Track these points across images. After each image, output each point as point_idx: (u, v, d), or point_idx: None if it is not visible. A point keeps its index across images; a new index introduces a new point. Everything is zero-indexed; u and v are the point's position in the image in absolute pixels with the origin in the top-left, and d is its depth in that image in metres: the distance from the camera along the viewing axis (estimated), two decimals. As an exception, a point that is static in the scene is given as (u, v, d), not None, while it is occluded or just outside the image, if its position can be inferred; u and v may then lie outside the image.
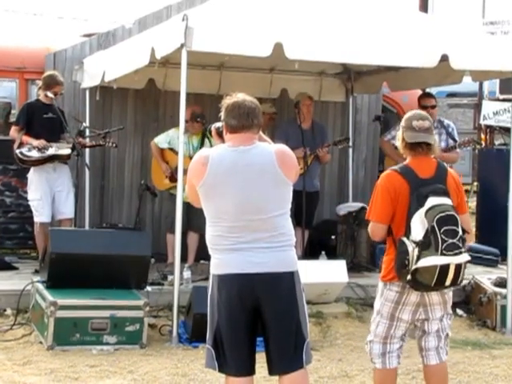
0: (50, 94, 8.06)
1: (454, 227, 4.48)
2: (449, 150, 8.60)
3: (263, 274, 4.18)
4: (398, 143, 4.78)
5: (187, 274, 7.59)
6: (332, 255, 8.62)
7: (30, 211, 8.52)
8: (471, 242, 6.87)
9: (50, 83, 8.16)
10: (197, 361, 6.23)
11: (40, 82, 8.33)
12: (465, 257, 4.54)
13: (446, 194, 4.56)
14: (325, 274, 7.37)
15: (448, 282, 4.51)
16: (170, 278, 7.72)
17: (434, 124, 8.85)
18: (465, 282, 8.19)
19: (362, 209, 9.13)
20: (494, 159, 10.80)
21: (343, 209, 9.21)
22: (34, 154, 8.05)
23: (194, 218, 7.68)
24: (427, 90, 9.16)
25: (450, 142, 8.66)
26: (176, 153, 8.27)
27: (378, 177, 10.78)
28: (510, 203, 7.59)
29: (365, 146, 10.37)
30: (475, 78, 9.02)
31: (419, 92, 10.20)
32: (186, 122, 8.11)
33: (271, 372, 4.33)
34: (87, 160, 8.67)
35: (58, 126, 8.10)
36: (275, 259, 4.23)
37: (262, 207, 4.22)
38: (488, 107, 8.81)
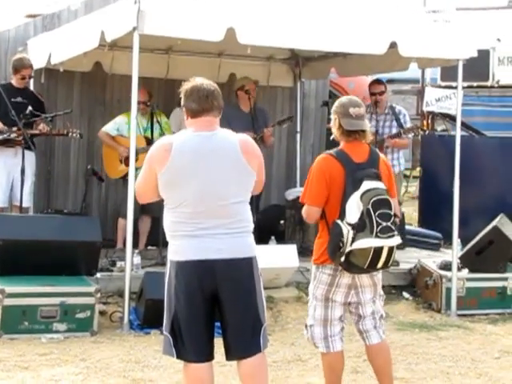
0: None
1: (388, 210, 4.58)
2: (393, 137, 8.71)
3: (222, 261, 4.21)
4: (334, 130, 4.84)
5: (137, 259, 7.56)
6: (281, 240, 8.68)
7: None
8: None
9: (17, 67, 8.08)
10: (149, 347, 6.24)
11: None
12: (397, 240, 4.62)
13: (379, 178, 4.67)
14: (276, 258, 7.41)
15: (380, 265, 4.61)
16: (118, 264, 7.69)
17: (385, 110, 9.05)
18: (410, 265, 8.40)
19: (311, 194, 9.20)
20: (437, 145, 11.00)
21: (292, 194, 9.24)
22: None
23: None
24: (374, 77, 9.25)
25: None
26: (125, 138, 8.25)
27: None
28: (455, 187, 7.74)
29: (312, 131, 10.45)
30: (421, 65, 9.16)
31: (365, 78, 10.33)
32: (146, 103, 8.10)
33: (229, 357, 4.35)
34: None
35: (25, 111, 7.87)
36: (234, 245, 4.25)
37: (223, 194, 4.24)
38: (430, 94, 8.97)
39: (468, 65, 7.80)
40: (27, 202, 8.07)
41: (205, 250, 4.20)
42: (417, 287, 8.22)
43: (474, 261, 7.92)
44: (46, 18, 9.21)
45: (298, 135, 10.13)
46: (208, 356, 4.29)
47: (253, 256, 4.32)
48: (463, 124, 8.93)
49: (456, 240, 7.81)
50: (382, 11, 7.97)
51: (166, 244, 4.48)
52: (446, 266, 7.94)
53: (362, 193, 4.56)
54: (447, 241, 9.40)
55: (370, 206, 4.52)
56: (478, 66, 10.26)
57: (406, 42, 7.35)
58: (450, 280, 7.74)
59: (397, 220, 4.70)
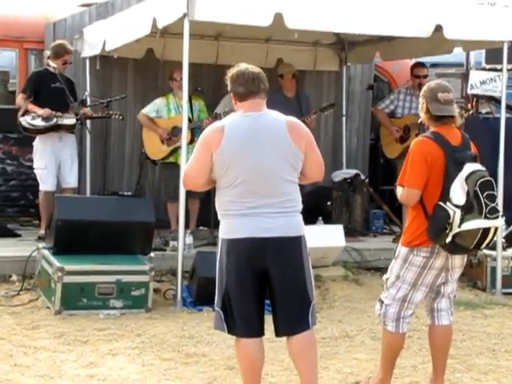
0: (52, 64, 8.16)
1: (493, 192, 4.60)
2: None
3: (272, 239, 4.30)
4: (422, 114, 4.83)
5: (189, 239, 7.76)
6: (328, 220, 8.83)
7: (32, 179, 8.66)
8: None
9: (59, 52, 8.26)
10: (202, 323, 6.40)
11: (48, 52, 8.39)
12: (502, 220, 4.69)
13: (476, 160, 4.68)
14: (323, 238, 7.57)
15: (484, 245, 4.66)
16: (171, 243, 7.91)
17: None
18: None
19: (357, 175, 9.37)
20: (481, 127, 11.01)
21: (338, 175, 9.41)
22: (39, 122, 8.14)
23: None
24: (417, 60, 9.34)
25: None
26: (165, 119, 8.48)
27: (370, 145, 11.01)
28: (499, 168, 7.81)
29: (357, 114, 10.55)
30: (466, 48, 9.19)
31: (409, 62, 10.38)
32: (178, 80, 8.12)
33: (278, 333, 4.45)
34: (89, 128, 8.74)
35: (64, 95, 8.14)
36: (283, 224, 4.34)
37: (272, 173, 4.33)
38: (475, 77, 9.00)
39: (513, 47, 7.78)
40: (76, 182, 8.38)
41: (255, 229, 4.29)
42: (462, 267, 8.35)
43: (518, 240, 7.98)
44: (101, 6, 9.43)
45: (344, 118, 10.24)
46: (258, 332, 4.40)
47: (301, 235, 4.41)
48: (507, 106, 8.96)
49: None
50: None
51: (216, 225, 4.59)
52: (491, 246, 8.01)
53: (467, 175, 4.56)
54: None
55: (477, 188, 4.52)
56: (524, 48, 10.23)
57: (451, 24, 7.38)
58: (494, 259, 7.83)
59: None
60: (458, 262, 4.82)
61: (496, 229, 4.64)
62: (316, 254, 7.32)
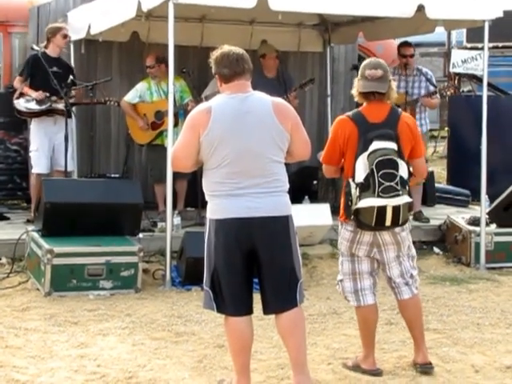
0: (53, 47, 8.17)
1: (393, 171, 4.64)
2: (431, 95, 8.88)
3: (259, 218, 4.35)
4: (353, 91, 4.93)
5: (177, 220, 7.80)
6: (314, 199, 8.93)
7: (19, 163, 8.71)
8: (416, 183, 7.14)
9: (55, 30, 8.28)
10: (191, 302, 6.47)
11: (46, 36, 8.37)
12: (403, 199, 4.69)
13: (392, 138, 4.69)
14: (310, 217, 7.66)
15: (388, 223, 4.70)
16: (159, 224, 7.96)
17: (413, 72, 9.18)
18: (440, 221, 8.61)
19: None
20: (463, 105, 11.11)
21: (323, 155, 9.47)
22: (32, 105, 8.14)
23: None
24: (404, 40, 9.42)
25: (431, 88, 8.93)
26: (148, 103, 8.52)
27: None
28: (482, 145, 7.89)
29: (342, 94, 10.56)
30: (447, 27, 9.28)
31: (392, 42, 10.46)
32: (152, 67, 8.33)
33: (266, 311, 4.51)
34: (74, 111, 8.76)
35: (62, 80, 8.13)
36: (271, 204, 4.39)
37: (259, 153, 4.38)
38: (457, 56, 9.09)
39: (493, 25, 7.86)
40: (71, 166, 8.38)
41: (243, 209, 4.35)
42: (447, 242, 8.44)
43: (501, 216, 8.10)
44: (85, -11, 9.41)
45: (329, 99, 10.27)
46: (247, 310, 4.46)
47: (288, 214, 4.47)
48: (489, 84, 9.04)
49: (484, 196, 7.97)
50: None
51: (204, 205, 4.64)
52: (475, 222, 8.11)
53: (369, 153, 4.65)
54: (475, 198, 9.59)
55: (373, 166, 4.62)
56: (504, 27, 10.30)
57: (432, 4, 7.45)
58: (478, 235, 7.95)
59: (412, 179, 4.81)
60: (388, 238, 4.85)
61: (397, 207, 4.66)
62: (303, 232, 7.41)
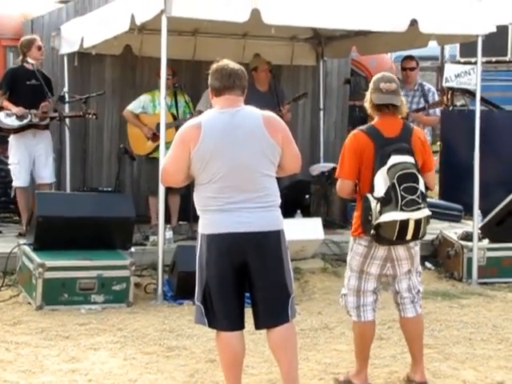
0: (30, 60, 8.14)
1: (414, 184, 4.65)
2: (418, 111, 8.88)
3: (251, 233, 4.35)
4: (366, 104, 4.95)
5: (169, 234, 7.79)
6: (306, 214, 8.92)
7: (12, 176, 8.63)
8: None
9: (30, 41, 8.23)
10: (183, 317, 6.44)
11: (20, 51, 8.32)
12: (424, 212, 4.72)
13: (408, 152, 4.72)
14: (302, 231, 7.64)
15: (409, 237, 4.71)
16: (152, 238, 7.94)
17: (414, 87, 9.16)
18: (432, 236, 8.58)
19: (334, 169, 9.32)
20: (456, 120, 11.16)
21: (316, 169, 9.48)
22: (13, 121, 8.11)
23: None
24: (403, 54, 9.45)
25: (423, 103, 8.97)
26: (150, 115, 8.51)
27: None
28: (475, 160, 7.90)
29: (334, 108, 10.62)
30: (441, 41, 9.29)
31: (385, 56, 10.52)
32: (172, 77, 8.31)
33: (258, 326, 4.51)
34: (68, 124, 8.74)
35: (40, 93, 8.13)
36: (262, 219, 4.40)
37: (251, 167, 4.38)
38: (450, 70, 9.12)
39: (487, 40, 7.89)
40: (51, 178, 8.37)
41: (235, 224, 4.34)
42: (439, 257, 8.42)
43: (494, 231, 8.09)
44: (78, 2, 9.42)
45: (322, 112, 10.32)
46: (239, 325, 4.45)
47: (280, 229, 4.46)
48: (482, 99, 9.08)
49: (476, 211, 7.95)
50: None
51: (196, 219, 4.63)
52: (467, 237, 8.09)
53: (388, 167, 4.65)
54: (467, 213, 9.56)
55: (395, 181, 4.61)
56: (497, 42, 10.39)
57: (426, 19, 7.47)
58: (470, 250, 7.92)
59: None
60: (403, 253, 4.88)
61: (418, 220, 4.69)
62: (295, 246, 7.37)
